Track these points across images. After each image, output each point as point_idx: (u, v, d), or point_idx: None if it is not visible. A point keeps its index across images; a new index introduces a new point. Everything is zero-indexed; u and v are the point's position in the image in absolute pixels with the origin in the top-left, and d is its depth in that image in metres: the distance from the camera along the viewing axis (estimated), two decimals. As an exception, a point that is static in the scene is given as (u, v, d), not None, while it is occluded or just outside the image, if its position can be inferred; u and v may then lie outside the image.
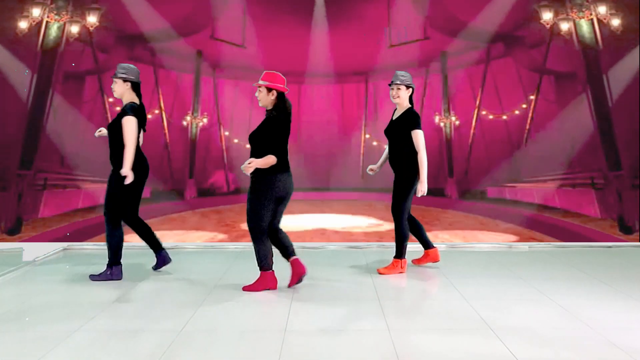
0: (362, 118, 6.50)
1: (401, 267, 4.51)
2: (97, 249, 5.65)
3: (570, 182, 6.16)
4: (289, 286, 4.03)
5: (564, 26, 5.96)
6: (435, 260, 4.75)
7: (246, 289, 3.99)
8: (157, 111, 6.30)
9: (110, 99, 6.12)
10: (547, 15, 5.90)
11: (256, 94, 4.00)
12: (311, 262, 4.58)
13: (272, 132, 3.87)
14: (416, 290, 4.06)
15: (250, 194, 3.93)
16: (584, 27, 5.88)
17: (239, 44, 6.25)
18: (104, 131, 4.41)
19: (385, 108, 6.44)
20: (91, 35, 6.06)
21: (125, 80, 4.25)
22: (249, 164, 3.77)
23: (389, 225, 6.22)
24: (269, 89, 3.92)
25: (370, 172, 4.66)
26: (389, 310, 3.48)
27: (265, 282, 3.98)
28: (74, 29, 5.93)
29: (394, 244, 5.09)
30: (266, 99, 3.94)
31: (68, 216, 6.05)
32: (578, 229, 6.00)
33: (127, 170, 4.08)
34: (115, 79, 4.26)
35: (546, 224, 6.08)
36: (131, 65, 4.33)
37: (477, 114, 6.34)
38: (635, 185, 5.96)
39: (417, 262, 4.77)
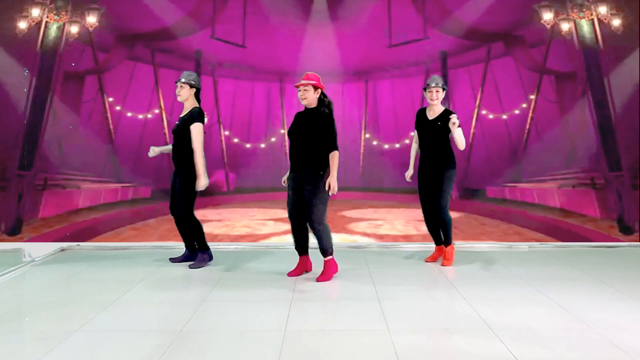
0: (362, 117, 6.49)
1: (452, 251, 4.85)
2: (96, 249, 5.65)
3: (570, 182, 6.15)
4: (290, 275, 4.38)
5: (565, 26, 5.96)
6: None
7: (321, 279, 4.26)
8: (157, 110, 6.29)
9: (110, 99, 6.12)
10: (547, 16, 5.92)
11: (300, 94, 4.20)
12: (312, 261, 4.58)
13: (330, 129, 4.16)
14: (416, 290, 4.06)
15: (315, 190, 4.13)
16: (585, 27, 5.89)
17: (239, 43, 6.25)
18: (156, 150, 4.76)
19: (386, 108, 6.45)
20: (91, 35, 6.05)
21: (191, 86, 4.52)
22: (331, 180, 4.12)
23: (389, 225, 6.23)
24: (315, 88, 4.18)
25: (410, 179, 4.88)
26: (389, 310, 3.48)
27: (334, 267, 4.35)
28: (74, 29, 5.94)
29: (394, 243, 5.11)
30: (312, 97, 4.19)
31: (68, 216, 6.05)
32: (578, 229, 6.00)
33: (202, 177, 4.47)
34: (182, 84, 4.50)
35: (546, 224, 6.07)
36: (194, 72, 4.64)
37: (477, 114, 6.34)
38: (635, 186, 5.95)
39: (430, 259, 4.98)
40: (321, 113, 4.20)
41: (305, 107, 4.28)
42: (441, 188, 4.67)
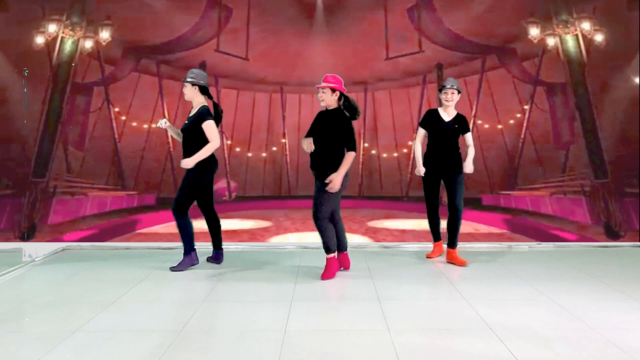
0: (361, 127, 6.54)
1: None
2: (96, 249, 5.66)
3: (562, 189, 6.28)
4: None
5: (550, 41, 6.21)
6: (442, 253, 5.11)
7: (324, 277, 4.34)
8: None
9: (117, 109, 6.30)
10: (534, 31, 6.17)
11: (319, 95, 4.32)
12: (312, 262, 4.59)
13: (344, 129, 4.26)
14: (416, 290, 4.06)
15: (322, 188, 4.25)
16: (570, 42, 6.16)
17: (242, 56, 6.40)
18: (166, 125, 4.60)
19: (384, 117, 6.56)
20: (101, 48, 6.25)
21: (193, 85, 4.57)
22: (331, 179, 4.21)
23: (387, 232, 6.25)
24: (333, 90, 4.28)
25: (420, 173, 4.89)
26: (389, 310, 3.48)
27: (334, 265, 4.44)
28: (88, 44, 6.19)
29: (394, 243, 5.06)
30: (330, 99, 4.30)
31: (76, 223, 6.14)
32: (569, 235, 6.06)
33: (191, 162, 4.44)
34: (185, 83, 4.56)
35: (538, 231, 6.12)
36: (199, 70, 4.69)
37: (473, 123, 6.42)
38: (622, 193, 6.08)
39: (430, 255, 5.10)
40: (336, 113, 4.31)
41: (326, 108, 4.40)
42: (455, 191, 4.76)
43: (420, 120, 5.00)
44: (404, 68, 6.51)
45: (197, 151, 4.47)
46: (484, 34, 6.33)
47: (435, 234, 5.07)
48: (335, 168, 4.22)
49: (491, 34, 6.32)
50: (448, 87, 4.75)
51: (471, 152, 4.84)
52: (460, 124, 4.80)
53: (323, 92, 4.30)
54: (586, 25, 6.08)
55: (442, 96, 4.79)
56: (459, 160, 4.80)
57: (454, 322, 3.29)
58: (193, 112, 4.60)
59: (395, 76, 6.55)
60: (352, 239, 6.07)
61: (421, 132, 4.90)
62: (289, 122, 6.52)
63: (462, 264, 4.78)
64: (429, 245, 5.28)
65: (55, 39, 6.09)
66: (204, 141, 4.47)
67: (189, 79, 4.57)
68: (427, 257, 5.06)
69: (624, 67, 6.14)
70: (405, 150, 6.52)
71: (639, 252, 5.60)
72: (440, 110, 4.86)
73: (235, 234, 6.12)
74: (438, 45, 6.42)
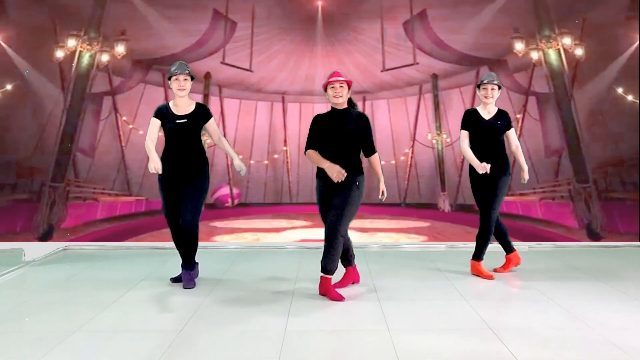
0: None
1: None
2: (96, 249, 5.66)
3: (550, 194, 6.41)
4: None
5: (534, 55, 6.55)
6: (518, 263, 4.66)
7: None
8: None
9: (124, 117, 6.52)
10: (519, 46, 6.53)
11: (336, 92, 3.81)
12: (312, 262, 4.59)
13: (371, 130, 3.94)
14: (416, 290, 4.06)
15: (351, 198, 3.81)
16: (552, 55, 6.50)
17: (247, 68, 6.59)
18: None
19: (382, 125, 6.70)
20: (111, 59, 6.49)
21: (192, 79, 4.16)
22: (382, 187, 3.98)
23: (383, 234, 6.28)
24: (349, 86, 3.87)
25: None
26: (389, 310, 3.48)
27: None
28: (104, 57, 6.50)
29: (394, 243, 5.09)
30: (346, 96, 3.86)
31: (87, 227, 6.24)
32: (557, 237, 6.12)
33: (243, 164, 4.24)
34: (187, 76, 4.08)
35: (528, 234, 6.17)
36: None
37: None
38: (607, 197, 6.24)
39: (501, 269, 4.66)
40: (362, 114, 3.96)
41: (335, 108, 3.90)
42: (495, 194, 4.34)
43: (462, 123, 4.47)
44: (402, 78, 6.68)
45: (201, 148, 4.13)
46: (476, 47, 6.55)
47: (506, 245, 4.63)
48: (361, 171, 3.89)
49: (483, 47, 6.55)
50: (486, 82, 4.34)
51: (521, 156, 4.50)
52: (503, 120, 4.40)
53: (341, 86, 3.80)
54: (567, 40, 6.44)
55: (481, 93, 4.38)
56: (506, 162, 4.39)
57: (454, 322, 3.29)
58: (188, 111, 4.10)
59: (393, 86, 6.70)
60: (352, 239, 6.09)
61: (465, 134, 4.43)
62: (290, 130, 6.71)
63: (488, 277, 4.42)
64: (429, 245, 5.27)
65: (73, 52, 6.40)
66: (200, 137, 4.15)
67: (187, 71, 4.07)
68: (495, 271, 4.61)
69: (608, 76, 6.38)
70: (402, 158, 6.63)
71: (639, 252, 5.60)
72: (479, 109, 4.45)
73: (241, 237, 6.18)
74: (432, 57, 6.64)
